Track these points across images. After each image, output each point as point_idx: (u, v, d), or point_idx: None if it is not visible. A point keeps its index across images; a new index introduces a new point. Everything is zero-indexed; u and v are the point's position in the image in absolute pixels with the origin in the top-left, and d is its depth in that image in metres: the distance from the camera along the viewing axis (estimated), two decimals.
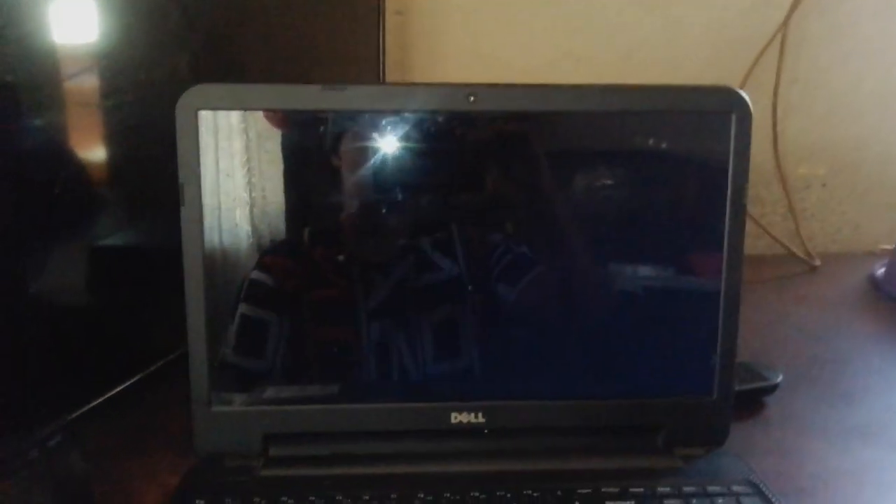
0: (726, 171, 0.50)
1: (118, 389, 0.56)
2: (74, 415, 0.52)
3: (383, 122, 0.49)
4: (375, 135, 0.49)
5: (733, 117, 0.49)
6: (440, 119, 0.49)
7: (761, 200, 1.13)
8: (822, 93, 1.10)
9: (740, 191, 0.50)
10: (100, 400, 0.54)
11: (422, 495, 0.46)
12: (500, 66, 1.05)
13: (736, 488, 0.48)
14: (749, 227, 1.09)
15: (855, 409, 0.63)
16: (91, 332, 0.56)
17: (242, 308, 0.50)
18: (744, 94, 0.49)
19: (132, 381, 0.57)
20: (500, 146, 0.50)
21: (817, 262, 1.04)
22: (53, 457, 0.47)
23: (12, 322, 0.49)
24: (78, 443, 0.49)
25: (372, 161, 0.49)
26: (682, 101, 0.50)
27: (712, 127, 0.50)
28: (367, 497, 0.46)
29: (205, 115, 0.48)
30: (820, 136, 1.11)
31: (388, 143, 0.49)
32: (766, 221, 1.10)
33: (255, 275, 0.50)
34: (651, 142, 0.51)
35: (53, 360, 0.52)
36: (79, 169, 0.56)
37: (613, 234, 0.52)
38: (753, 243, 1.11)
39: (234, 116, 0.48)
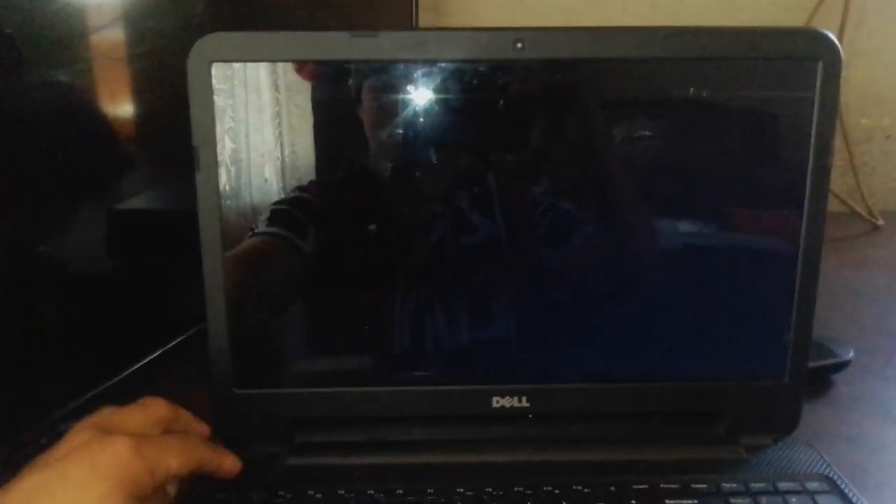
0: (809, 125, 0.43)
1: (137, 367, 0.52)
2: (89, 395, 0.49)
3: (419, 73, 0.43)
4: (410, 87, 0.44)
5: (820, 65, 0.43)
6: (483, 69, 0.43)
7: None
8: (890, 38, 1.01)
9: (825, 148, 0.44)
10: (117, 379, 0.51)
11: (461, 490, 0.42)
12: (541, 7, 0.98)
13: (810, 485, 0.43)
14: None
15: None
16: (108, 306, 0.52)
17: None
18: (833, 37, 0.43)
19: (152, 357, 0.53)
20: (549, 97, 0.44)
21: (880, 222, 0.97)
22: None
23: (22, 302, 0.46)
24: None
25: (407, 115, 0.44)
26: (761, 45, 0.43)
27: (795, 75, 0.43)
28: (401, 491, 0.42)
29: (219, 68, 0.43)
30: (886, 84, 1.03)
31: (424, 96, 0.44)
32: None
33: None
34: (722, 92, 0.45)
35: (66, 339, 0.48)
36: (94, 125, 0.51)
37: (673, 193, 0.46)
38: None
39: (255, 68, 0.43)
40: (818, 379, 0.58)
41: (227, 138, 0.44)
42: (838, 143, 1.04)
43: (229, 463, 0.41)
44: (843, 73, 1.05)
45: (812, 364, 0.56)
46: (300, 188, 0.45)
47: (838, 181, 1.04)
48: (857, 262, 0.85)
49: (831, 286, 0.77)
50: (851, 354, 0.58)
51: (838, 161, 1.05)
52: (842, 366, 0.58)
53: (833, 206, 1.01)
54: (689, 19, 1.00)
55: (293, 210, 0.45)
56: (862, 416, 0.54)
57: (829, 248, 0.88)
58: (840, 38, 0.98)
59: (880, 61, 1.02)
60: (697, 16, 0.99)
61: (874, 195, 1.05)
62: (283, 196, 0.45)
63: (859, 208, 0.99)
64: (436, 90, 0.43)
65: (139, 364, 0.52)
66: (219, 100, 0.43)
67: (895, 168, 1.07)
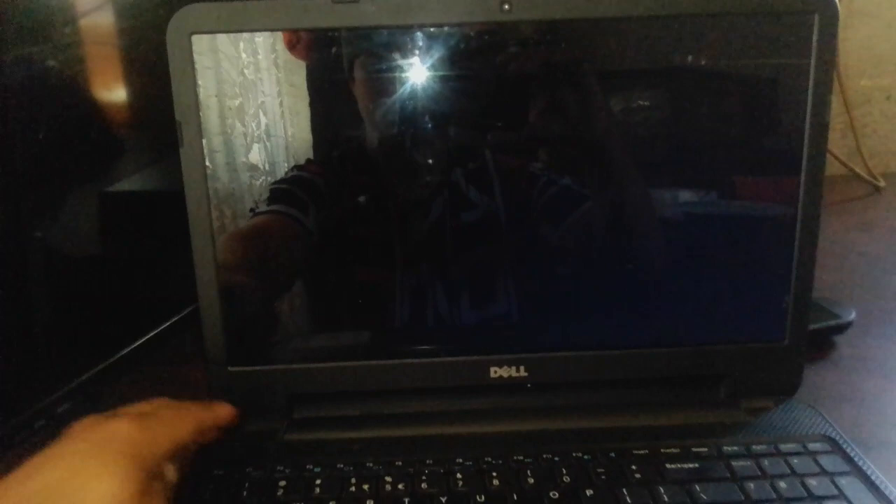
0: (806, 82, 0.42)
1: (135, 345, 0.52)
2: (87, 376, 0.48)
3: (405, 40, 0.42)
4: (397, 55, 0.43)
5: (816, 18, 0.42)
6: (470, 33, 0.42)
7: None
8: None
9: (822, 105, 0.43)
10: (114, 358, 0.51)
11: (460, 460, 0.42)
12: None
13: (812, 446, 0.42)
14: None
15: None
16: (103, 287, 0.51)
17: None
18: None
19: (148, 336, 0.53)
20: (541, 64, 0.43)
21: (882, 183, 0.96)
22: (62, 425, 0.43)
23: (18, 285, 0.45)
24: (92, 406, 0.45)
25: (394, 86, 0.43)
26: (754, 0, 0.42)
27: (790, 30, 0.42)
28: (400, 463, 0.42)
29: (200, 40, 0.42)
30: (886, 44, 1.01)
31: (412, 64, 0.43)
32: None
33: None
34: (716, 51, 0.44)
35: (61, 320, 0.48)
36: (68, 107, 0.50)
37: (671, 159, 0.46)
38: None
39: (237, 40, 0.42)
40: (820, 340, 0.57)
41: (211, 112, 0.43)
42: (837, 105, 1.03)
43: (224, 412, 0.42)
44: (842, 35, 1.03)
45: (813, 326, 0.56)
46: (298, 167, 0.45)
47: (839, 143, 1.03)
48: (859, 224, 0.84)
49: (833, 249, 0.77)
50: (853, 316, 0.57)
51: (838, 124, 1.04)
52: (843, 327, 0.57)
53: (834, 168, 1.00)
54: None
55: (294, 188, 0.45)
56: (864, 376, 0.53)
57: (831, 211, 0.88)
58: None
59: (880, 21, 1.00)
60: None
61: (875, 156, 1.04)
62: (279, 175, 0.44)
63: (860, 170, 0.98)
64: (424, 59, 0.42)
65: (135, 344, 0.52)
66: (200, 72, 0.42)
67: (895, 129, 1.06)
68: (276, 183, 0.45)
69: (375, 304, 0.47)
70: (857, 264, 0.73)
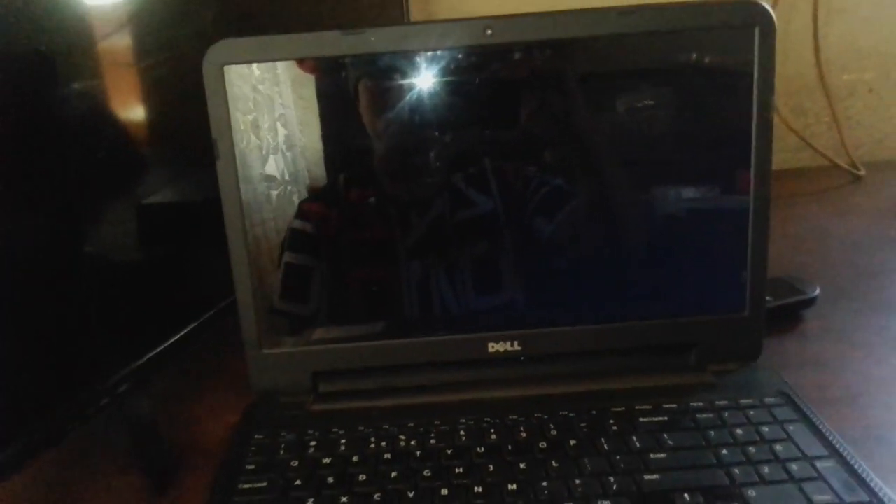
0: (751, 85, 0.49)
1: (178, 337, 0.59)
2: (138, 363, 0.56)
3: (405, 63, 0.49)
4: (398, 75, 0.50)
5: (756, 30, 0.48)
6: (460, 55, 0.49)
7: (804, 111, 1.09)
8: None
9: (766, 104, 0.49)
10: (161, 348, 0.58)
11: (463, 420, 0.49)
12: None
13: (768, 400, 0.49)
14: (791, 139, 1.07)
15: None
16: (148, 286, 0.59)
17: (287, 257, 0.53)
18: (766, 4, 0.48)
19: (191, 327, 0.60)
20: (524, 78, 0.50)
21: (862, 172, 1.01)
22: (124, 402, 0.51)
23: (76, 282, 0.53)
24: (145, 389, 0.53)
25: (399, 102, 0.50)
26: (703, 17, 0.49)
27: (736, 42, 0.49)
28: (411, 424, 0.49)
29: (230, 70, 0.49)
30: (866, 38, 1.06)
31: (413, 83, 0.50)
32: (809, 132, 1.08)
33: (296, 223, 0.52)
34: (674, 61, 0.50)
35: (115, 314, 0.55)
36: (119, 130, 0.58)
37: (642, 156, 0.52)
38: (796, 156, 1.08)
39: (261, 68, 0.50)
40: (789, 316, 0.63)
41: (241, 129, 0.50)
42: (822, 100, 1.09)
43: None
44: (822, 31, 1.09)
45: (780, 301, 0.62)
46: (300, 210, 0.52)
47: (824, 136, 1.09)
48: (838, 211, 0.90)
49: (809, 233, 0.83)
50: (817, 292, 0.64)
51: (823, 118, 1.10)
52: (809, 302, 0.63)
53: (819, 160, 1.06)
54: None
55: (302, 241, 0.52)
56: (827, 345, 0.59)
57: (812, 200, 0.94)
58: None
59: (857, 16, 1.05)
60: None
61: (860, 147, 1.09)
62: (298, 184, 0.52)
63: (843, 162, 1.03)
64: (423, 77, 0.49)
65: (180, 334, 0.59)
66: (231, 97, 0.50)
67: (880, 120, 1.11)
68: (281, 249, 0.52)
69: (387, 295, 0.54)
70: (832, 247, 0.79)
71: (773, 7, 0.48)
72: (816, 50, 1.05)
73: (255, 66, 0.50)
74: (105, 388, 0.51)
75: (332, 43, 0.49)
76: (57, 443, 0.47)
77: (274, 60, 0.49)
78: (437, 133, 0.51)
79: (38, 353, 0.47)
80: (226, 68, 0.49)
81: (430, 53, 0.49)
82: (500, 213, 0.52)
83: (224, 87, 0.49)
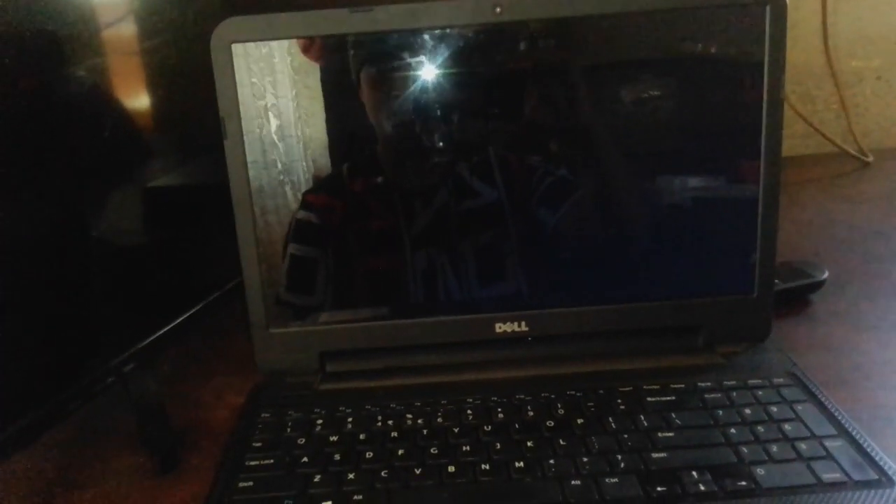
0: (762, 66, 0.49)
1: (183, 318, 0.59)
2: (144, 343, 0.56)
3: (412, 42, 0.49)
4: (402, 63, 0.49)
5: (767, 9, 0.48)
6: (469, 34, 0.49)
7: (812, 98, 1.09)
8: None
9: (777, 85, 0.49)
10: (167, 329, 0.58)
11: (470, 400, 0.49)
12: None
13: (776, 380, 0.49)
14: (800, 126, 1.06)
15: None
16: (154, 267, 0.59)
17: (291, 248, 0.52)
18: None
19: (197, 308, 0.60)
20: (529, 67, 0.50)
21: (870, 158, 1.01)
22: (130, 381, 0.51)
23: (84, 263, 0.53)
24: (151, 369, 0.53)
25: (402, 90, 0.50)
26: None
27: (746, 21, 0.48)
28: (419, 403, 0.49)
29: (238, 48, 0.49)
30: (874, 25, 1.06)
31: (419, 63, 0.49)
32: (817, 119, 1.07)
33: (301, 214, 0.52)
34: (683, 43, 0.50)
35: (122, 295, 0.55)
36: (125, 112, 0.58)
37: (651, 143, 0.52)
38: (804, 142, 1.08)
39: (268, 49, 0.49)
40: (797, 299, 0.63)
41: (247, 110, 0.50)
42: (830, 87, 1.08)
43: None
44: (831, 18, 1.08)
45: (788, 284, 0.62)
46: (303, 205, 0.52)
47: (833, 123, 1.08)
48: (845, 196, 0.90)
49: (817, 218, 0.83)
50: (826, 275, 0.63)
51: (831, 104, 1.09)
52: (817, 286, 0.63)
53: (827, 147, 1.05)
54: None
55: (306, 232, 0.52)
56: (834, 328, 0.59)
57: (821, 186, 0.94)
58: None
59: (866, 3, 1.04)
60: None
61: (869, 134, 1.09)
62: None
63: (851, 148, 1.03)
64: (429, 58, 0.49)
65: (185, 316, 0.59)
66: (239, 75, 0.49)
67: (888, 107, 1.10)
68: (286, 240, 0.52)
69: (392, 284, 0.53)
70: (839, 232, 0.78)
71: None
72: (825, 37, 1.04)
73: (261, 50, 0.49)
74: (111, 366, 0.51)
75: (340, 20, 0.49)
76: (62, 420, 0.47)
77: (281, 38, 0.49)
78: (440, 123, 0.50)
79: (44, 331, 0.47)
80: (233, 46, 0.49)
81: (434, 40, 0.49)
82: (505, 204, 0.52)
83: (232, 64, 0.49)
